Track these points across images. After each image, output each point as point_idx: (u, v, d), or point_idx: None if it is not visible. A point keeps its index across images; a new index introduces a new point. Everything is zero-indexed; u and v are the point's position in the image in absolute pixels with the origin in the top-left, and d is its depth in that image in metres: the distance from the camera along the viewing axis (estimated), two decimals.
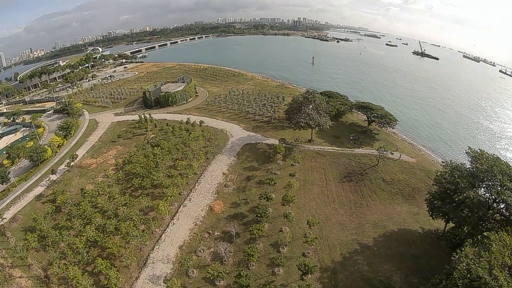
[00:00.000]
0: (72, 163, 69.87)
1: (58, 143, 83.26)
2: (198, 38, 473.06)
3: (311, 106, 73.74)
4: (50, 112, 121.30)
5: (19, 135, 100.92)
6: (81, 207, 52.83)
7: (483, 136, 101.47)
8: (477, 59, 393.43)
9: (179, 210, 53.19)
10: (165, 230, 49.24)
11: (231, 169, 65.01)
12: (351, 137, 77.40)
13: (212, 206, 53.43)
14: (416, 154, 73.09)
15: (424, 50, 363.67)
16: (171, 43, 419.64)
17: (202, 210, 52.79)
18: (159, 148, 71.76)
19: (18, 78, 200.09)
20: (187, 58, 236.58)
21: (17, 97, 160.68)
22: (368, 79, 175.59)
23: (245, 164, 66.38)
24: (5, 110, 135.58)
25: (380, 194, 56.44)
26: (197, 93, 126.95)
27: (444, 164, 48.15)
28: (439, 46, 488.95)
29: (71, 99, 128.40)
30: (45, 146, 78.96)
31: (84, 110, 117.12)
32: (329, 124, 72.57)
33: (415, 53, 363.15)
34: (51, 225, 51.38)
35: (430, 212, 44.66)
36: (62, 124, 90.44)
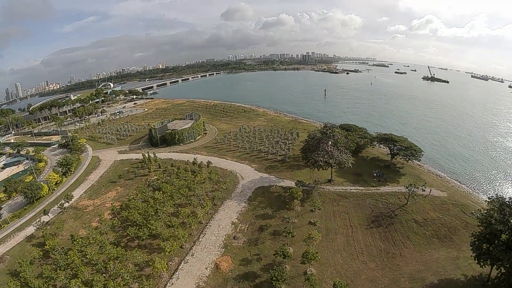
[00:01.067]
0: (66, 204, 66.71)
1: (56, 180, 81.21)
2: (209, 75, 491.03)
3: (330, 142, 69.16)
4: (55, 146, 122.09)
5: (21, 167, 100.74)
6: (68, 256, 48.00)
7: (506, 156, 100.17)
8: (485, 78, 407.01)
9: (180, 267, 46.81)
10: None
11: (241, 217, 59.21)
12: (375, 174, 72.63)
13: (218, 263, 46.94)
14: (445, 187, 68.02)
15: (434, 74, 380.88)
16: (182, 80, 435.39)
17: (206, 268, 46.29)
18: (161, 192, 67.39)
19: (29, 109, 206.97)
20: (197, 95, 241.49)
21: (26, 128, 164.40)
22: (381, 108, 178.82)
23: (258, 211, 60.63)
24: (12, 140, 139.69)
25: (414, 239, 50.95)
26: (206, 130, 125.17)
27: (490, 200, 43.45)
28: (446, 69, 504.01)
29: (76, 134, 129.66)
30: (41, 182, 76.98)
31: (88, 146, 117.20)
32: (350, 162, 67.47)
33: (425, 78, 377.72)
34: (37, 272, 47.27)
35: (477, 259, 38.88)
36: (61, 161, 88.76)
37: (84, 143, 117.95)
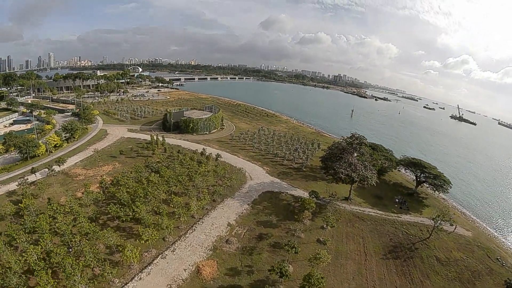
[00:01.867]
0: (56, 168, 63.12)
1: (56, 142, 78.88)
2: (239, 78, 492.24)
3: (355, 155, 60.80)
4: (68, 113, 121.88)
5: (29, 126, 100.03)
6: (38, 219, 42.81)
7: None
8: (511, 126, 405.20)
9: (155, 261, 39.55)
10: (125, 284, 35.52)
11: (240, 220, 51.46)
12: (397, 200, 64.82)
13: (201, 266, 39.19)
14: (470, 226, 60.58)
15: (462, 114, 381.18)
16: (211, 78, 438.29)
17: (185, 270, 38.68)
18: (158, 175, 61.09)
19: (52, 75, 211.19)
20: (223, 93, 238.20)
21: (48, 94, 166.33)
22: (406, 137, 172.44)
23: (261, 217, 52.70)
24: (29, 101, 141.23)
25: (434, 279, 43.18)
26: (224, 126, 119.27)
27: None
28: (474, 112, 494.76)
29: (90, 105, 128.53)
30: (40, 142, 74.79)
31: (99, 118, 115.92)
32: (375, 180, 59.15)
33: (452, 117, 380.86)
34: (3, 229, 42.93)
35: None
36: (66, 125, 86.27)
37: (96, 115, 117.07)
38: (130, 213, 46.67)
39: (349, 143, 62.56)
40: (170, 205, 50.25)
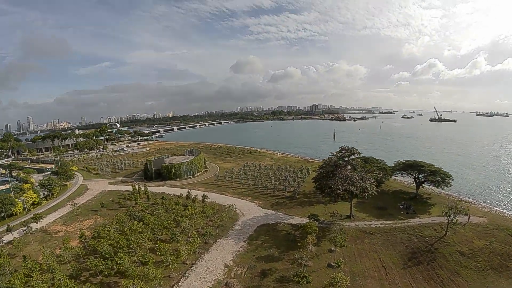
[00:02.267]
0: (34, 225, 59.56)
1: (33, 200, 75.04)
2: (217, 123, 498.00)
3: (349, 167, 58.88)
4: (48, 172, 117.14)
5: (7, 186, 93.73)
6: (11, 278, 38.02)
7: None
8: (490, 114, 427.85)
9: None
10: None
11: (238, 259, 46.70)
12: (401, 206, 63.28)
13: None
14: (482, 213, 59.96)
15: (441, 115, 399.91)
16: (189, 127, 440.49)
17: None
18: (142, 224, 56.20)
19: (31, 138, 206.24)
20: (203, 139, 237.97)
21: (27, 155, 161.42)
22: (392, 147, 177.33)
23: (260, 252, 48.19)
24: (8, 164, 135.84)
25: (465, 274, 40.65)
26: (207, 168, 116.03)
27: None
28: (451, 111, 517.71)
29: (69, 162, 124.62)
30: (17, 200, 70.94)
31: (79, 174, 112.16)
32: (375, 190, 57.23)
33: (432, 120, 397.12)
34: None
35: None
36: (43, 181, 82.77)
37: (75, 171, 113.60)
38: (114, 266, 41.21)
39: (340, 157, 60.94)
40: (157, 253, 45.03)
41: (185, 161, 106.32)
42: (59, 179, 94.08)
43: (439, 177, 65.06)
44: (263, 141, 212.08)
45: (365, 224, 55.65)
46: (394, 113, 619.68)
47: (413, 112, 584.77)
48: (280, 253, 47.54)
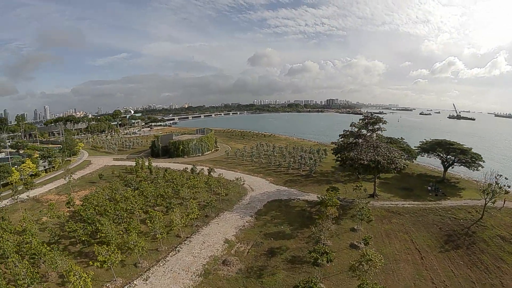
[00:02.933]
0: (24, 193, 56.58)
1: (31, 170, 70.52)
2: (233, 113, 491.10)
3: (375, 135, 49.62)
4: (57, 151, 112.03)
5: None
6: None
7: None
8: (509, 116, 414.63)
9: None
10: None
11: (242, 234, 38.61)
12: (429, 188, 55.09)
13: None
14: None
15: (460, 112, 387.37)
16: (204, 116, 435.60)
17: None
18: (138, 191, 49.01)
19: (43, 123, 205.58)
20: (217, 125, 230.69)
21: (39, 138, 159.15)
22: (412, 138, 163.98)
23: (269, 228, 39.99)
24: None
25: (510, 260, 32.66)
26: (218, 148, 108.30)
27: None
28: (468, 111, 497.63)
29: (76, 140, 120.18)
30: (13, 169, 66.72)
31: (84, 151, 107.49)
32: (403, 163, 49.00)
33: (450, 117, 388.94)
34: None
35: None
36: (43, 152, 79.09)
37: (82, 149, 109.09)
38: (97, 235, 34.14)
39: (364, 125, 51.47)
40: (147, 221, 37.46)
41: (193, 138, 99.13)
42: (62, 153, 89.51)
43: (469, 157, 56.09)
44: (278, 128, 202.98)
45: (391, 204, 46.82)
46: (412, 110, 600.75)
47: (431, 110, 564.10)
48: (292, 230, 39.25)
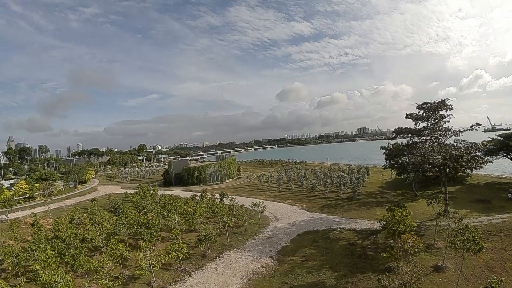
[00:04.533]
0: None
1: (24, 191, 65.39)
2: (263, 148, 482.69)
3: (442, 123, 34.21)
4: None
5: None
6: None
7: None
8: None
9: None
10: None
11: (251, 287, 22.89)
12: (510, 195, 40.49)
13: None
14: None
15: (494, 125, 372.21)
16: (234, 151, 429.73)
17: None
18: (119, 216, 36.08)
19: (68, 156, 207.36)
20: (245, 158, 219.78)
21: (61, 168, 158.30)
22: None
23: (298, 277, 24.07)
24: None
25: None
26: (241, 176, 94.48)
27: None
28: (500, 124, 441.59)
29: (86, 165, 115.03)
30: (5, 187, 64.06)
31: (96, 180, 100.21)
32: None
33: (485, 130, 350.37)
34: None
35: None
36: (39, 174, 75.21)
37: (93, 178, 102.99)
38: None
39: (422, 117, 35.64)
40: (95, 268, 23.43)
41: (211, 163, 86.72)
42: (65, 178, 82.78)
43: None
44: (310, 156, 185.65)
45: (473, 222, 29.89)
46: None
47: (463, 128, 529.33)
48: (338, 279, 23.00)
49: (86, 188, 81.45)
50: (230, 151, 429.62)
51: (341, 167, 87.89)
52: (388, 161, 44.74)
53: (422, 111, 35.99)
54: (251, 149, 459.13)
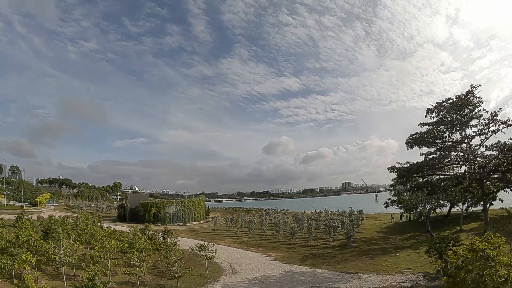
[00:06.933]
0: None
1: None
2: (245, 199, 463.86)
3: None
4: None
5: None
6: None
7: None
8: None
9: None
10: None
11: None
12: None
13: None
14: None
15: None
16: (215, 201, 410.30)
17: None
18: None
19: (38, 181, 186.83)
20: (223, 207, 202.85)
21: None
22: None
23: None
24: None
25: None
26: (209, 220, 78.91)
27: None
28: None
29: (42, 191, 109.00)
30: None
31: (51, 206, 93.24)
32: None
33: None
34: None
35: None
36: None
37: (45, 203, 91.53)
38: None
39: (445, 118, 25.36)
40: None
41: (173, 200, 71.75)
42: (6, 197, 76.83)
43: None
44: (292, 206, 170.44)
45: None
46: None
47: None
48: None
49: (33, 211, 67.03)
50: (211, 201, 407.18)
51: (329, 211, 74.37)
52: (402, 184, 32.56)
53: (439, 114, 25.36)
54: (232, 200, 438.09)
